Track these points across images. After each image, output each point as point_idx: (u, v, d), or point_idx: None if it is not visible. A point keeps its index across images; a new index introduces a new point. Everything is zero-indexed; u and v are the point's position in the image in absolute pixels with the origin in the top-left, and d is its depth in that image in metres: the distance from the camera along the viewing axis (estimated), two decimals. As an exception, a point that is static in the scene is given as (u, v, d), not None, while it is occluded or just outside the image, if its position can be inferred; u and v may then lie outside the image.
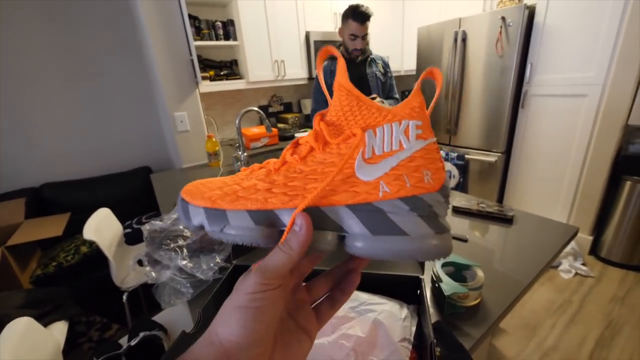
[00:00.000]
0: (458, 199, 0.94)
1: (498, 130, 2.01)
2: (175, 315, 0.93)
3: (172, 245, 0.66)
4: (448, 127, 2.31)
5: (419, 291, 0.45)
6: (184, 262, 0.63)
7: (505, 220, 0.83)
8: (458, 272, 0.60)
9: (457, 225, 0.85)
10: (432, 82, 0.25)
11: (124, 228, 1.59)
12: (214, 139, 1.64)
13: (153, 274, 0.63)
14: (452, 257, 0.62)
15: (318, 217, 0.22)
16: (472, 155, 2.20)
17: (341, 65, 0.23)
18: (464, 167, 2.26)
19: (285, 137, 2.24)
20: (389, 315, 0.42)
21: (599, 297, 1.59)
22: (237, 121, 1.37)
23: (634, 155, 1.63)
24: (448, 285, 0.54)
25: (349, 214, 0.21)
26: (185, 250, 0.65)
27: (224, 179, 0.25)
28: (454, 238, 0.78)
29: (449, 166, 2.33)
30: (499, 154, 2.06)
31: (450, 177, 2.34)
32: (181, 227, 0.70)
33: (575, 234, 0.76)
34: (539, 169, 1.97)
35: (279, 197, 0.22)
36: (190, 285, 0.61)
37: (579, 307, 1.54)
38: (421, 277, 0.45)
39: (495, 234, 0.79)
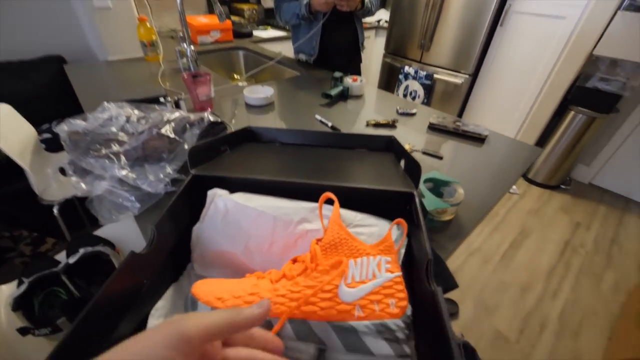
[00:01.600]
0: (435, 116, 0.89)
1: (471, 49, 1.92)
2: (121, 231, 0.84)
3: (103, 152, 0.52)
4: (422, 41, 2.14)
5: (408, 207, 0.41)
6: (124, 172, 0.51)
7: (479, 139, 0.82)
8: (436, 188, 0.59)
9: (434, 142, 0.82)
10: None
11: (41, 132, 1.30)
12: (148, 24, 1.28)
13: (83, 185, 0.50)
14: (432, 174, 0.59)
15: (303, 330, 0.27)
16: (440, 75, 2.14)
17: (336, 208, 0.34)
18: (430, 88, 2.21)
19: (241, 34, 1.88)
20: (379, 237, 0.38)
21: (519, 210, 1.87)
22: (178, 2, 1.05)
23: (587, 89, 1.71)
24: (430, 201, 0.52)
25: (330, 330, 0.26)
26: (123, 158, 0.52)
27: (233, 283, 0.31)
28: (430, 155, 0.75)
29: (416, 85, 2.26)
30: (466, 76, 2.02)
31: (415, 97, 2.30)
32: (114, 129, 0.55)
33: (538, 153, 0.79)
34: (499, 95, 2.01)
35: (278, 306, 0.27)
36: (136, 198, 0.51)
37: (503, 218, 1.81)
38: (414, 192, 0.41)
39: (468, 153, 0.78)
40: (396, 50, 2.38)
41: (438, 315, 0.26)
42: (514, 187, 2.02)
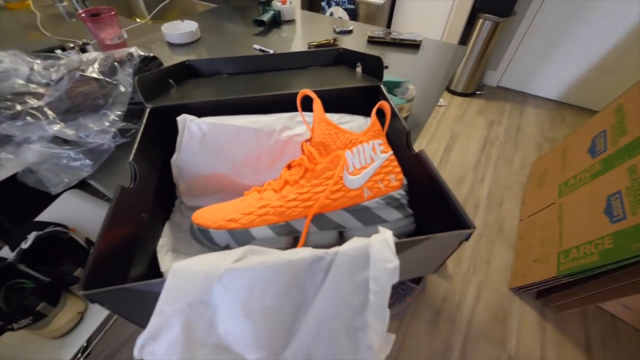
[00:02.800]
0: (371, 30, 0.90)
1: (388, -37, 1.88)
2: (67, 211, 0.74)
3: (18, 109, 0.42)
4: (338, -42, 2.01)
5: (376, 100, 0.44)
6: (57, 128, 0.43)
7: (414, 46, 0.87)
8: (389, 91, 0.63)
9: (375, 54, 0.84)
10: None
11: None
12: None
13: (9, 155, 0.42)
14: (384, 77, 0.62)
15: (323, 221, 0.30)
16: (362, -3, 2.08)
17: (318, 105, 0.34)
18: (354, 12, 2.16)
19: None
20: (358, 129, 0.41)
21: (447, 119, 2.11)
22: None
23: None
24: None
25: (346, 215, 0.30)
26: (49, 111, 0.43)
27: (234, 203, 0.32)
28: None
29: (340, 12, 2.18)
30: (387, -6, 2.01)
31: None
32: (20, 81, 0.44)
33: (464, 51, 0.87)
34: (418, 10, 2.07)
35: (292, 210, 0.29)
36: (84, 156, 0.44)
37: (436, 128, 2.02)
38: (379, 84, 0.44)
39: (407, 59, 0.83)
40: (313, -27, 2.21)
41: (429, 171, 0.31)
42: (440, 99, 2.23)
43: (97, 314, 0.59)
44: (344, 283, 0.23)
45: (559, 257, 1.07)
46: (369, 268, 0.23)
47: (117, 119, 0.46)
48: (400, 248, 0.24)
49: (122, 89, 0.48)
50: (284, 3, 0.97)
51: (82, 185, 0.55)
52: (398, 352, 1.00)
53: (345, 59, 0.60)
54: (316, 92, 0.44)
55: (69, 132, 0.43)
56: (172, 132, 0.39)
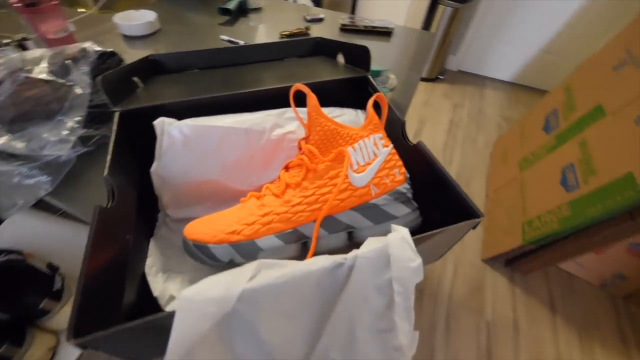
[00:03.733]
0: (343, 18, 0.88)
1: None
2: (19, 235, 0.65)
3: (-50, 121, 0.35)
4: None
5: (364, 92, 0.43)
6: (2, 141, 0.37)
7: (387, 33, 0.86)
8: (370, 81, 0.62)
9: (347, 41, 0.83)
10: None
11: None
12: None
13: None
14: (364, 67, 0.61)
15: (332, 223, 0.29)
16: (324, -18, 2.04)
17: (314, 100, 0.30)
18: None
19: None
20: (351, 123, 0.40)
21: (415, 105, 2.17)
22: None
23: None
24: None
25: (355, 214, 0.29)
26: (-10, 122, 0.37)
27: (231, 212, 0.30)
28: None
29: (302, -3, 2.12)
30: (349, -20, 1.98)
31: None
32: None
33: (434, 36, 0.89)
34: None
35: (299, 215, 0.28)
36: (40, 171, 0.39)
37: (405, 115, 2.07)
38: (367, 75, 0.43)
39: (381, 46, 0.83)
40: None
41: (431, 162, 0.31)
42: (406, 85, 2.28)
43: (72, 347, 0.53)
44: (366, 286, 0.23)
45: (524, 227, 1.16)
46: (390, 269, 0.23)
47: (76, 125, 0.40)
48: (416, 244, 0.24)
49: (79, 90, 0.42)
50: (248, -11, 0.91)
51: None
52: (388, 333, 1.04)
53: (324, 48, 0.58)
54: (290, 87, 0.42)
55: (18, 145, 0.37)
56: (146, 137, 0.35)
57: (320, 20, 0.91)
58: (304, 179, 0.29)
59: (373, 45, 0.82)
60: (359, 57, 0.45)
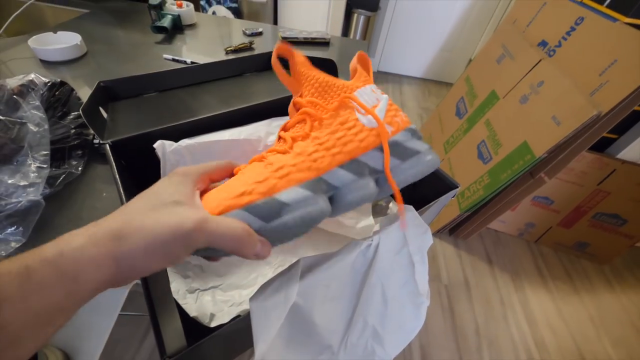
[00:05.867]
0: (282, 30, 0.93)
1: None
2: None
3: None
4: (209, -46, 1.90)
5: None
6: (-47, 195, 0.31)
7: (324, 43, 0.94)
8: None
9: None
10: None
11: None
12: None
13: None
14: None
15: (358, 167, 0.25)
16: (243, -5, 2.05)
17: (300, 57, 0.29)
18: (238, 10, 2.11)
19: None
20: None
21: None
22: None
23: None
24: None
25: (379, 155, 0.26)
26: None
27: (233, 180, 0.24)
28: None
29: (223, 10, 2.09)
30: (268, -8, 2.04)
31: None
32: None
33: (367, 45, 1.00)
34: (301, 7, 2.17)
35: (320, 161, 0.24)
36: (4, 220, 0.34)
37: (340, 115, 2.21)
38: (333, 60, 0.48)
39: (322, 55, 0.90)
40: (182, -32, 2.03)
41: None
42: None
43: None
44: (391, 258, 0.28)
45: (458, 198, 1.37)
46: (407, 241, 0.28)
47: (43, 165, 0.36)
48: (420, 212, 0.30)
49: (34, 127, 0.37)
50: (179, 6, 0.89)
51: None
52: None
53: (281, 62, 0.62)
54: (270, 102, 0.45)
55: (-23, 196, 0.32)
56: (136, 166, 0.34)
57: (260, 34, 0.94)
58: (311, 130, 0.26)
59: (314, 54, 0.89)
60: (325, 70, 0.50)
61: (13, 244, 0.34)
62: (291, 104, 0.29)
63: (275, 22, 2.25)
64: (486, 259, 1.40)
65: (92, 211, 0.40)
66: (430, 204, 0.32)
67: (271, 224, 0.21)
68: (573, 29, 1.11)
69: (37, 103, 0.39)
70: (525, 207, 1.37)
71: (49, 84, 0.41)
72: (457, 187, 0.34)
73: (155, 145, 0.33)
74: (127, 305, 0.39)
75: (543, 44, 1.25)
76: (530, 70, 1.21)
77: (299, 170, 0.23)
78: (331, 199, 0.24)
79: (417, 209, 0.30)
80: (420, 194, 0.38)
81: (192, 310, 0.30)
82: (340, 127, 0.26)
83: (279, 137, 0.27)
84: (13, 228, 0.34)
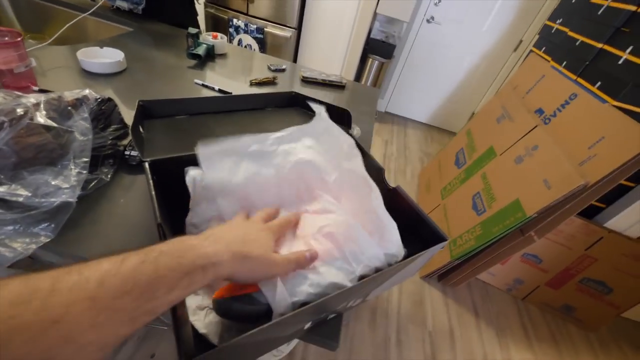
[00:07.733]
0: (303, 70, 1.01)
1: (290, 5, 2.09)
2: None
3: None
4: (245, -9, 2.09)
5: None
6: (3, 189, 0.35)
7: (340, 87, 1.02)
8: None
9: (309, 93, 0.95)
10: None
11: None
12: None
13: None
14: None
15: None
16: (270, 29, 2.22)
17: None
18: (262, 41, 2.27)
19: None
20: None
21: (353, 140, 2.42)
22: None
23: (376, 40, 2.28)
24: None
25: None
26: (-12, 169, 0.35)
27: None
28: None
29: (249, 39, 2.26)
30: (293, 30, 2.21)
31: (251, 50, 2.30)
32: None
33: (378, 94, 1.09)
34: (321, 46, 2.34)
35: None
36: (39, 217, 0.37)
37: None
38: (352, 133, 0.54)
39: (338, 98, 0.98)
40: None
41: (408, 203, 0.42)
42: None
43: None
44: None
45: (450, 246, 1.40)
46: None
47: (82, 171, 0.41)
48: (402, 265, 0.34)
49: (80, 136, 0.42)
50: (215, 37, 0.98)
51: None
52: (349, 353, 1.10)
53: (299, 101, 0.69)
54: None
55: (23, 194, 0.36)
56: (163, 182, 0.39)
57: (283, 70, 1.03)
58: None
59: (329, 96, 0.97)
60: (340, 117, 0.56)
61: (42, 239, 0.37)
62: None
63: (295, 57, 2.41)
64: (473, 310, 1.40)
65: (110, 217, 0.44)
66: (419, 253, 0.36)
67: None
68: (567, 102, 1.21)
69: (86, 115, 0.44)
70: (514, 263, 1.39)
71: (98, 100, 0.47)
72: (447, 240, 0.38)
73: (187, 179, 0.37)
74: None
75: (540, 111, 1.35)
76: (526, 134, 1.29)
77: None
78: None
79: (405, 258, 0.34)
80: (410, 243, 0.42)
81: (200, 327, 0.32)
82: None
83: None
84: (45, 224, 0.37)
